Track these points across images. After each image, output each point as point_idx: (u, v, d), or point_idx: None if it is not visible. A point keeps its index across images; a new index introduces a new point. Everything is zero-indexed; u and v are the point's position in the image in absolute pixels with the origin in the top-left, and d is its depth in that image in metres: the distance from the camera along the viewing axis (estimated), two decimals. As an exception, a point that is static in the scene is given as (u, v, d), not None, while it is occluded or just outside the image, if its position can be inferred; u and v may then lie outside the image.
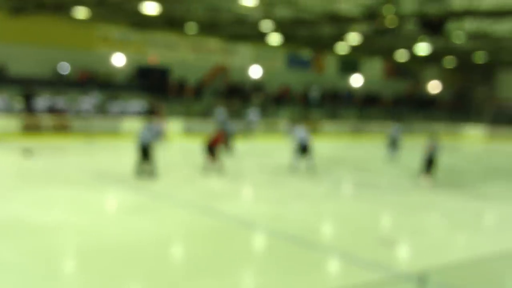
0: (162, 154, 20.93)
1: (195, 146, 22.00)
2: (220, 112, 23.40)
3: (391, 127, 21.46)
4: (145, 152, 13.85)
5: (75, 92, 23.06)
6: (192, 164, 17.82)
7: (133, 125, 22.36)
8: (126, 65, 26.25)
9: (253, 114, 26.89)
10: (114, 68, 25.79)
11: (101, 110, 23.46)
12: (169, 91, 27.27)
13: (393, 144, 20.54)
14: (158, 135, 14.27)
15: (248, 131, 26.71)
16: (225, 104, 26.04)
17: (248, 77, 30.57)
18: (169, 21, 23.24)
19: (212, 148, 15.61)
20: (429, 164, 15.70)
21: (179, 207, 11.31)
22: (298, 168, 16.44)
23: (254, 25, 22.16)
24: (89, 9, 20.58)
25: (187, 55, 28.31)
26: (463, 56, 32.24)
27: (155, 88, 26.22)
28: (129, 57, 26.48)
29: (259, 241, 9.67)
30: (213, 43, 28.40)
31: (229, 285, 7.02)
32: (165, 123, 21.95)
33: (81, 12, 21.85)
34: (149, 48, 26.98)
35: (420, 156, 16.56)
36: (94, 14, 23.24)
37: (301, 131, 16.46)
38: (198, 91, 27.97)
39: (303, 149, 16.37)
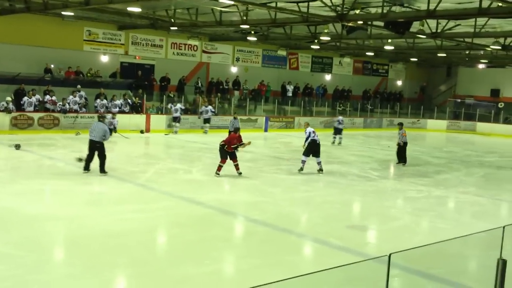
0: (146, 147, 20.86)
1: (176, 140, 21.95)
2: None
3: (335, 118, 24.64)
4: (94, 150, 12.72)
5: (62, 89, 22.74)
6: (174, 157, 17.78)
7: (119, 121, 22.16)
8: (111, 63, 25.98)
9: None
10: (100, 66, 25.51)
11: (88, 107, 23.21)
12: (153, 87, 27.11)
13: (337, 133, 23.43)
14: (106, 133, 12.77)
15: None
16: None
17: (228, 74, 30.50)
18: (153, 21, 23.04)
19: (229, 152, 13.90)
20: (402, 151, 17.69)
21: (162, 197, 11.27)
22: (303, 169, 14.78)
23: (233, 25, 22.10)
24: (76, 9, 20.27)
25: (170, 54, 28.13)
26: (427, 54, 32.56)
27: (140, 85, 26.01)
28: (114, 56, 26.23)
29: (238, 228, 9.71)
30: (194, 42, 28.21)
31: (212, 270, 7.04)
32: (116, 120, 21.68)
33: (68, 13, 21.55)
34: (133, 46, 26.72)
35: (387, 146, 16.79)
36: (81, 15, 22.94)
37: (311, 131, 14.90)
38: (181, 88, 27.82)
39: (315, 149, 14.76)
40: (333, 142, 23.37)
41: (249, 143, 14.40)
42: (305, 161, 14.67)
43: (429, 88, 42.39)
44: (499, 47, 22.28)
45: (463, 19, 18.47)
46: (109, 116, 21.13)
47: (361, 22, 19.12)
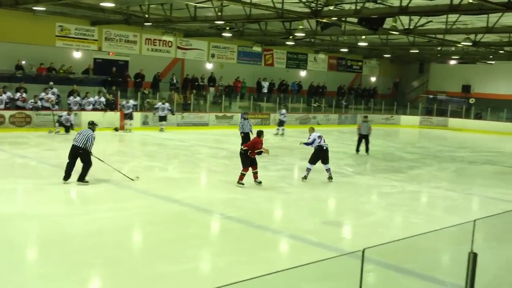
0: (122, 145, 20.67)
1: (152, 137, 21.80)
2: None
3: (279, 111, 26.43)
4: (75, 157, 11.62)
5: (34, 86, 22.35)
6: (149, 154, 17.64)
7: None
8: (84, 60, 25.64)
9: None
10: (73, 62, 25.17)
11: (60, 104, 22.85)
12: (127, 84, 26.86)
13: (280, 125, 25.46)
14: (88, 141, 11.51)
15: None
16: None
17: (203, 71, 30.39)
18: (127, 16, 22.81)
19: (251, 158, 12.41)
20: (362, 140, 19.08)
21: (138, 195, 11.18)
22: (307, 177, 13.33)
23: (208, 21, 22.03)
24: (47, 4, 19.95)
25: (144, 50, 27.88)
26: (400, 51, 32.93)
27: (114, 82, 25.75)
28: (87, 52, 25.89)
29: (214, 226, 9.69)
30: (169, 38, 28.02)
31: (188, 268, 7.02)
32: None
33: (39, 8, 21.20)
34: (107, 42, 26.41)
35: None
36: (53, 10, 22.58)
37: (317, 136, 13.36)
38: (155, 84, 27.63)
39: (323, 156, 13.33)
40: (276, 134, 25.23)
41: (268, 151, 12.69)
42: (310, 169, 13.25)
43: (402, 84, 42.90)
44: (470, 43, 22.67)
45: (434, 15, 18.75)
46: (64, 113, 20.87)
47: (335, 18, 19.25)
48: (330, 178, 13.43)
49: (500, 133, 33.16)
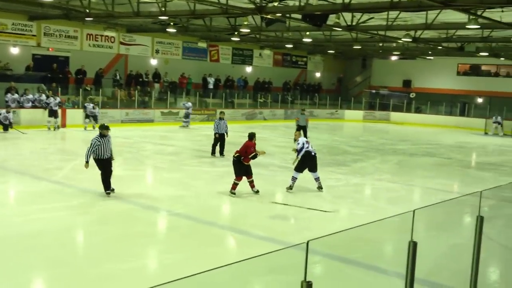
0: (62, 143, 20.12)
1: (94, 135, 21.31)
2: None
3: (183, 103, 26.62)
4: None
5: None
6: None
7: (30, 117, 21.24)
8: (22, 56, 24.78)
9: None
10: (10, 58, 24.27)
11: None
12: (68, 81, 26.14)
13: (186, 117, 26.11)
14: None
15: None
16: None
17: (148, 67, 29.97)
18: (67, 11, 22.18)
19: (245, 165, 11.38)
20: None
21: (81, 194, 10.94)
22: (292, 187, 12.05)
23: (151, 16, 21.73)
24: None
25: (86, 45, 27.19)
26: (343, 47, 33.54)
27: (54, 78, 25.01)
28: (26, 48, 25.02)
29: (161, 223, 9.62)
30: (111, 33, 27.43)
31: (134, 267, 6.94)
32: None
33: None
34: (46, 38, 25.59)
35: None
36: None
37: (305, 141, 12.28)
38: (98, 81, 27.03)
39: (311, 163, 11.99)
40: (183, 126, 25.89)
41: (264, 152, 12.10)
42: (296, 178, 11.93)
43: (346, 79, 43.76)
44: (410, 40, 23.36)
45: (376, 12, 19.19)
46: (3, 111, 20.20)
47: (279, 14, 19.39)
48: (320, 188, 12.03)
49: (439, 126, 34.42)
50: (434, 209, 7.73)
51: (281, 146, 20.98)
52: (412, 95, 38.95)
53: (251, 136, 11.65)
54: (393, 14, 19.63)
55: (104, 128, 10.80)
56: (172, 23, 24.83)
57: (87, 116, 22.73)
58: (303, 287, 2.91)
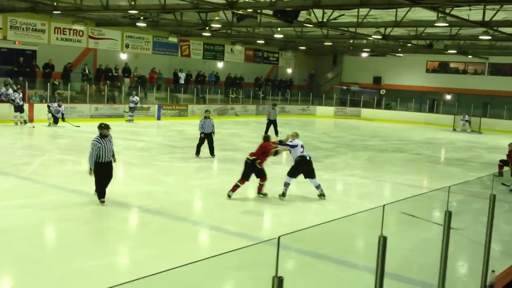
0: (30, 138, 19.74)
1: (64, 130, 20.99)
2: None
3: (130, 97, 26.01)
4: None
5: None
6: (61, 147, 17.00)
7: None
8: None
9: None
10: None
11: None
12: (35, 75, 25.65)
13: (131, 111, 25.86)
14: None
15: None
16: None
17: (117, 61, 29.61)
18: (34, 4, 21.74)
19: (258, 168, 10.79)
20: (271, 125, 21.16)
21: (50, 190, 10.77)
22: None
23: (121, 10, 21.46)
24: None
25: (53, 39, 26.71)
26: (314, 43, 33.73)
27: (21, 72, 24.51)
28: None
29: (133, 219, 9.53)
30: (80, 27, 26.99)
31: (106, 263, 6.87)
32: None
33: None
34: (12, 31, 25.04)
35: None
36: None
37: (301, 144, 11.05)
38: (66, 75, 26.59)
39: (306, 169, 10.94)
40: (129, 120, 25.60)
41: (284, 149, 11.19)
42: (289, 183, 10.86)
43: (317, 75, 44.02)
44: (380, 37, 23.65)
45: (346, 9, 19.37)
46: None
47: (250, 10, 19.39)
48: (322, 195, 10.94)
49: (409, 123, 34.95)
50: (404, 204, 7.85)
51: (252, 141, 20.97)
52: (383, 91, 39.43)
53: (267, 138, 11.11)
54: (363, 11, 19.84)
55: (104, 128, 9.77)
56: (142, 17, 24.58)
57: (52, 115, 22.17)
58: (274, 282, 2.93)
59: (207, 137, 15.76)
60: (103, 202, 9.60)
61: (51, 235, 8.40)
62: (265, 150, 10.70)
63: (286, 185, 10.89)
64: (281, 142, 11.19)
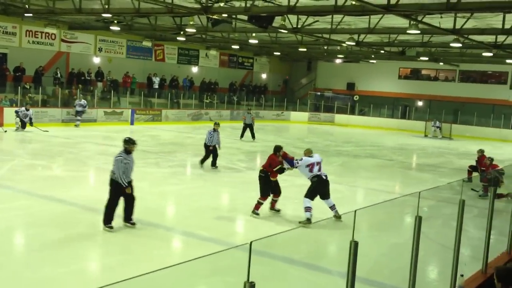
0: (0, 142, 19.38)
1: (34, 134, 20.64)
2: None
3: (77, 100, 24.96)
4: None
5: None
6: (32, 152, 16.72)
7: None
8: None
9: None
10: None
11: None
12: (6, 78, 25.18)
13: (79, 115, 24.59)
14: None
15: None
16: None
17: (90, 65, 29.27)
18: (4, 6, 21.40)
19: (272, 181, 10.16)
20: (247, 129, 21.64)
21: (18, 196, 10.57)
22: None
23: (94, 13, 21.24)
24: None
25: (25, 42, 26.29)
26: (289, 49, 33.91)
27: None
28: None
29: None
30: (52, 30, 26.63)
31: (76, 270, 6.77)
32: None
33: None
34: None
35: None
36: None
37: (317, 161, 10.14)
38: (38, 79, 26.17)
39: (323, 190, 9.98)
40: (76, 126, 24.39)
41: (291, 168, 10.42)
42: (310, 207, 9.62)
43: (292, 81, 44.24)
44: (354, 43, 23.89)
45: (321, 15, 19.51)
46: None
47: (225, 15, 19.40)
48: (337, 216, 9.61)
49: (382, 128, 35.36)
50: (376, 209, 7.92)
51: (227, 147, 20.95)
52: (356, 97, 39.82)
53: (277, 148, 10.30)
54: (337, 17, 20.03)
55: (131, 143, 8.90)
56: (115, 21, 24.37)
57: (20, 120, 21.70)
58: (246, 287, 2.92)
59: (213, 149, 14.88)
60: (111, 228, 8.36)
61: (19, 241, 8.24)
62: (272, 163, 10.12)
63: (309, 209, 9.54)
64: (285, 155, 10.38)
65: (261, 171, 10.20)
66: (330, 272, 7.12)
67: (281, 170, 10.09)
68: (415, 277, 4.79)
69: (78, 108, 24.63)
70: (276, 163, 10.05)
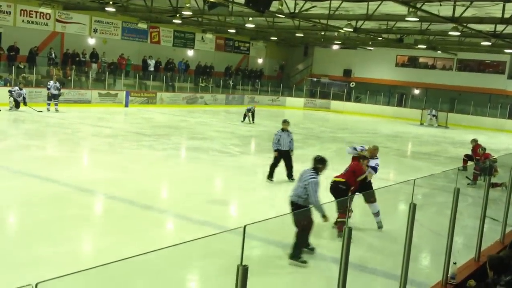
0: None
1: (29, 114, 20.52)
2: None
3: (48, 82, 22.43)
4: None
5: None
6: (26, 132, 16.63)
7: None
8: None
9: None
10: None
11: None
12: (0, 58, 25.00)
13: (55, 98, 22.11)
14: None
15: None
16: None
17: (85, 46, 29.04)
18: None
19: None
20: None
21: (12, 176, 10.52)
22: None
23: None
24: None
25: (19, 21, 26.01)
26: (286, 34, 33.74)
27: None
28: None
29: (97, 206, 9.40)
30: (47, 10, 26.35)
31: (67, 250, 6.75)
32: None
33: None
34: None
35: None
36: None
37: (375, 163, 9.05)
38: (32, 59, 25.96)
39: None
40: (48, 110, 22.11)
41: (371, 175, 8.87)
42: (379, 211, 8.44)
43: (288, 66, 44.11)
44: (351, 29, 23.78)
45: (318, 0, 19.41)
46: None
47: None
48: (380, 227, 8.46)
49: (377, 116, 35.38)
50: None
51: (221, 131, 20.95)
52: (352, 84, 39.76)
53: (362, 157, 8.85)
54: (335, 3, 19.91)
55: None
56: (111, 2, 24.14)
57: (14, 99, 21.51)
58: (239, 271, 2.91)
59: (284, 155, 11.86)
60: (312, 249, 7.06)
61: (12, 220, 8.22)
62: (356, 171, 8.55)
63: (379, 214, 8.39)
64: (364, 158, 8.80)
65: (339, 183, 8.45)
66: (324, 257, 7.14)
67: (365, 180, 8.51)
68: (408, 264, 4.81)
69: (54, 91, 22.08)
70: (362, 171, 8.52)
